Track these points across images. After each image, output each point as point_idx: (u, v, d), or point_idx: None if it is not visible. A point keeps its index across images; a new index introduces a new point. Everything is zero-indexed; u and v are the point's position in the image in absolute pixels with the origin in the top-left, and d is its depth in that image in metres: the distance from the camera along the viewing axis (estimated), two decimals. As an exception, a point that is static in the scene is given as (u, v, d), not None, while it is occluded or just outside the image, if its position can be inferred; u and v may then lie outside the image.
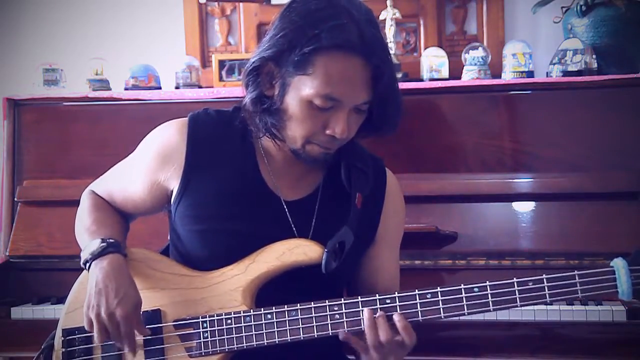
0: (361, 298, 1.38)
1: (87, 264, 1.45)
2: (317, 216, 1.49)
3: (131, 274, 1.46)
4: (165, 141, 1.52)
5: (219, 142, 1.51)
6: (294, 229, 1.48)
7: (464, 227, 2.07)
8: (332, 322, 1.38)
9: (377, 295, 1.37)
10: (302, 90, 1.36)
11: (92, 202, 1.61)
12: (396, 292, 1.37)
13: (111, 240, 1.47)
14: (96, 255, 1.44)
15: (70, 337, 1.49)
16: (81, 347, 1.48)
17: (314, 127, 1.39)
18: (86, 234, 1.52)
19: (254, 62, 1.41)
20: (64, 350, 1.49)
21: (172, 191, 1.52)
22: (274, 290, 1.44)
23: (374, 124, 1.45)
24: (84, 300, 1.43)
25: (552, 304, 1.93)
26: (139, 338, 1.44)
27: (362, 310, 1.37)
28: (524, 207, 2.10)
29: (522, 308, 1.91)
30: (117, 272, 1.42)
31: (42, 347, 1.54)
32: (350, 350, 1.58)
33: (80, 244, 1.54)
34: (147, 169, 1.54)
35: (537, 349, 1.92)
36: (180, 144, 1.50)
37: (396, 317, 1.35)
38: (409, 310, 1.35)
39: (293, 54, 1.34)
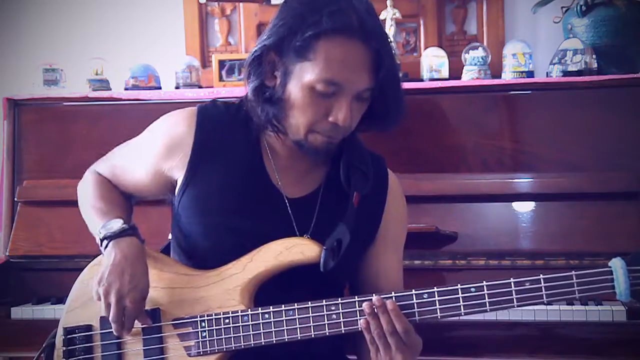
0: (358, 298, 1.37)
1: (106, 241, 1.45)
2: (317, 214, 1.49)
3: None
4: (173, 130, 1.52)
5: (226, 135, 1.51)
6: (294, 226, 1.48)
7: (464, 227, 2.07)
8: (329, 322, 1.37)
9: (373, 295, 1.36)
10: (303, 77, 1.36)
11: (97, 180, 1.62)
12: (392, 292, 1.36)
13: (132, 224, 1.49)
14: (117, 234, 1.44)
15: (71, 336, 1.49)
16: (81, 345, 1.48)
17: (317, 114, 1.39)
18: (93, 210, 1.54)
19: (255, 51, 1.41)
20: (64, 348, 1.50)
21: (176, 181, 1.52)
22: (274, 290, 1.43)
23: (376, 117, 1.45)
24: (85, 299, 1.44)
25: (551, 304, 1.93)
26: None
27: (362, 303, 1.35)
28: (524, 207, 2.10)
29: (522, 308, 1.91)
30: (135, 257, 1.42)
31: (43, 345, 1.55)
32: (351, 351, 1.58)
33: (85, 218, 1.56)
34: (153, 155, 1.54)
35: (537, 349, 1.92)
36: (187, 134, 1.50)
37: (389, 305, 1.33)
38: (406, 311, 1.34)
39: (294, 41, 1.35)
